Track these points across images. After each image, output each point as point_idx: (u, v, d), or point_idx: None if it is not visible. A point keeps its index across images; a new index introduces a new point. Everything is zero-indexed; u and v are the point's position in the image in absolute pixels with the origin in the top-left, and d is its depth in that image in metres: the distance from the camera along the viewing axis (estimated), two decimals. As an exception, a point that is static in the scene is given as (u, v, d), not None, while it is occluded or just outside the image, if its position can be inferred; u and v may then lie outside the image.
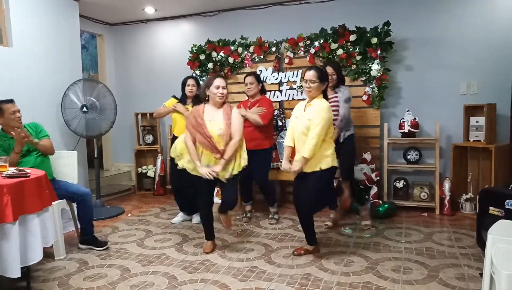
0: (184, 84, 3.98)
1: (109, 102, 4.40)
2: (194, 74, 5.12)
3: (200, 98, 3.91)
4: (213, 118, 3.02)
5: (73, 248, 3.34)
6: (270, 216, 4.08)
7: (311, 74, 2.82)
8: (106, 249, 3.30)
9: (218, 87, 3.01)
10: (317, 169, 2.84)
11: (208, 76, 3.18)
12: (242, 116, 3.66)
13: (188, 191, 3.83)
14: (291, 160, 3.04)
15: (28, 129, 3.25)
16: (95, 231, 3.40)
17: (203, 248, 3.24)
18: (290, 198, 4.70)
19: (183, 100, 3.98)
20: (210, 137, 2.95)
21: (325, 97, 2.94)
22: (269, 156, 4.14)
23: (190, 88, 3.92)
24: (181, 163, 3.15)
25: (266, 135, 3.95)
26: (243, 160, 3.09)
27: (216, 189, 3.94)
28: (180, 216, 4.13)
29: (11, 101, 3.15)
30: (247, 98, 4.11)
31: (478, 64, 4.25)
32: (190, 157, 3.06)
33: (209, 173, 2.95)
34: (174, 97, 4.07)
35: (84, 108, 4.26)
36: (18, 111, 3.14)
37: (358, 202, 3.96)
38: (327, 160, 2.86)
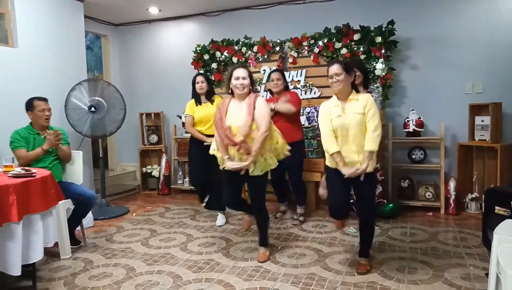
0: (194, 82, 3.96)
1: (118, 102, 4.41)
2: (197, 73, 5.13)
3: (213, 93, 3.99)
4: (237, 111, 2.84)
5: (78, 248, 3.36)
6: (295, 217, 3.95)
7: (335, 68, 2.61)
8: (79, 248, 3.33)
9: (237, 78, 2.83)
10: (372, 169, 2.62)
11: (229, 68, 3.03)
12: (272, 109, 3.53)
13: (216, 187, 3.71)
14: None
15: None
16: (99, 231, 3.42)
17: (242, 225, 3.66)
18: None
19: (197, 98, 3.95)
20: (227, 128, 2.80)
21: (357, 92, 2.74)
22: (302, 149, 3.97)
23: (200, 85, 3.90)
24: (218, 159, 2.98)
25: (297, 126, 3.81)
26: (271, 159, 2.89)
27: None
28: (222, 217, 4.00)
29: (44, 99, 3.28)
30: (269, 95, 4.02)
31: (483, 63, 4.23)
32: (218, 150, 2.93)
33: (235, 168, 2.80)
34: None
35: (93, 108, 4.27)
36: (49, 110, 3.27)
37: None
38: (374, 160, 2.67)
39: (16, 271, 2.30)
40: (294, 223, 3.88)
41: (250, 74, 2.92)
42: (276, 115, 3.63)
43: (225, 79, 3.10)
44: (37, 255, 2.45)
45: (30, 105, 3.24)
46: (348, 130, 2.61)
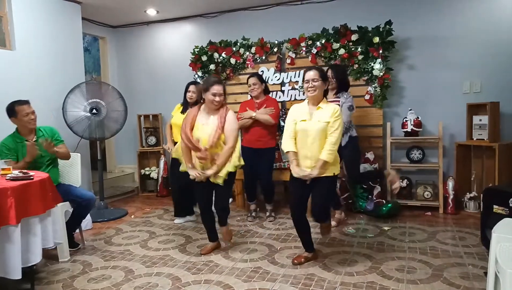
0: (186, 89, 3.96)
1: (119, 104, 4.40)
2: (196, 75, 5.14)
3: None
4: (207, 122, 3.01)
5: (77, 251, 3.36)
6: (268, 213, 4.16)
7: (312, 74, 2.76)
8: (78, 251, 3.33)
9: (214, 95, 2.95)
10: (331, 174, 2.78)
11: (207, 77, 3.11)
12: (252, 117, 3.84)
13: (186, 193, 3.90)
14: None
15: (43, 132, 3.26)
16: (98, 233, 3.40)
17: (201, 249, 3.24)
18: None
19: (185, 106, 3.95)
20: (191, 137, 2.96)
21: (325, 96, 2.88)
22: (274, 155, 4.17)
23: (190, 95, 3.90)
24: (183, 165, 3.15)
25: (272, 135, 3.99)
26: (236, 159, 3.02)
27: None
28: (181, 218, 4.14)
29: (26, 102, 3.11)
30: (249, 98, 4.12)
31: (481, 63, 4.24)
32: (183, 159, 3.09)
33: (199, 174, 2.96)
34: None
35: (94, 110, 4.26)
36: (33, 112, 3.12)
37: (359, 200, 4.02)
38: (338, 166, 2.85)
39: (17, 275, 2.29)
40: (270, 219, 4.08)
41: (225, 89, 3.06)
42: (254, 121, 3.86)
43: (200, 86, 3.29)
44: (36, 258, 2.44)
45: (12, 111, 3.06)
46: (308, 136, 2.75)
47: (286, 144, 2.84)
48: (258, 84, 3.96)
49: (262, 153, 3.88)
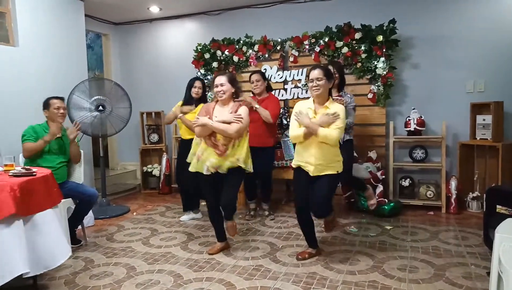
0: (190, 85, 3.92)
1: (124, 101, 4.39)
2: (199, 73, 5.14)
3: (206, 100, 3.97)
4: (220, 116, 2.97)
5: (80, 247, 3.36)
6: (267, 213, 4.17)
7: (316, 73, 2.76)
8: (80, 247, 3.34)
9: (216, 86, 2.98)
10: (335, 172, 2.80)
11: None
12: (255, 107, 3.79)
13: (193, 191, 3.90)
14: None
15: (66, 131, 3.43)
16: (100, 230, 3.41)
17: (208, 249, 3.19)
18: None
19: (189, 101, 3.92)
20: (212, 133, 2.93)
21: (330, 95, 2.90)
22: (273, 154, 4.17)
23: (197, 90, 3.88)
24: (191, 165, 3.08)
25: (270, 134, 3.97)
26: (244, 162, 2.98)
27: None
28: (188, 214, 4.15)
29: (60, 98, 3.37)
30: (251, 95, 4.11)
31: (485, 62, 4.22)
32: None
33: (202, 122, 2.88)
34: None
35: (100, 107, 4.27)
36: (64, 108, 3.35)
37: (359, 192, 4.07)
38: (340, 164, 2.85)
39: (21, 270, 2.28)
40: (271, 218, 4.08)
41: (232, 80, 3.02)
42: (254, 114, 3.80)
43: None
44: (55, 259, 2.44)
45: (46, 104, 3.33)
46: (310, 133, 2.74)
47: (295, 131, 2.79)
48: (261, 81, 3.94)
49: (259, 152, 3.76)
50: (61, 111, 3.32)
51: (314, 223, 3.01)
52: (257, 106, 3.82)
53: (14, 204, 2.23)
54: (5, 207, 2.21)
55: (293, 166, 2.94)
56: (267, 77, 4.27)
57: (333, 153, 2.81)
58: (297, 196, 2.96)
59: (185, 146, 3.77)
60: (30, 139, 3.17)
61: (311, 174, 2.78)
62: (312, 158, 2.77)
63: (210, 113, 2.99)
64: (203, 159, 2.97)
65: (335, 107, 2.77)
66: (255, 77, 3.96)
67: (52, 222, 2.49)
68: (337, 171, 2.81)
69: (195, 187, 3.74)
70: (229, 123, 2.89)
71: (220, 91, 2.97)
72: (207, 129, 2.91)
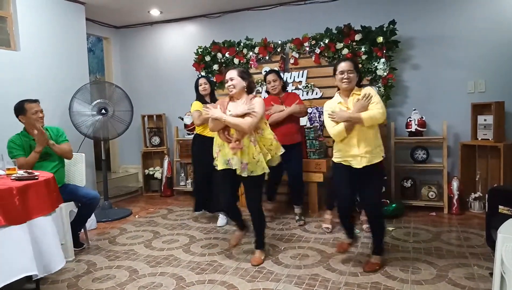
0: (197, 85, 3.96)
1: (125, 104, 4.40)
2: (199, 76, 5.14)
3: (214, 95, 4.02)
4: (233, 110, 2.87)
5: (82, 250, 3.37)
6: (297, 217, 3.94)
7: (347, 65, 2.67)
8: (82, 250, 3.34)
9: (227, 81, 2.92)
10: (380, 158, 2.68)
11: None
12: (281, 111, 3.64)
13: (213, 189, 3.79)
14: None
15: (49, 132, 3.30)
16: (102, 233, 3.42)
17: (230, 240, 3.20)
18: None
19: (202, 100, 3.93)
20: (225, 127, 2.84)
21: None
22: (302, 150, 3.99)
23: (203, 87, 3.91)
24: (217, 161, 2.97)
25: (299, 129, 3.88)
26: (266, 153, 2.87)
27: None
28: (222, 218, 4.00)
29: (35, 101, 3.19)
30: (266, 96, 4.00)
31: (486, 62, 4.22)
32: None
33: (216, 115, 2.78)
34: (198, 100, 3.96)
35: (103, 110, 4.27)
36: (41, 111, 3.19)
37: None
38: (382, 148, 2.75)
39: (24, 272, 2.29)
40: (300, 223, 3.89)
41: (243, 74, 2.91)
42: (284, 118, 3.66)
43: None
44: (58, 263, 2.45)
45: (21, 109, 3.14)
46: (354, 123, 2.63)
47: (335, 128, 2.66)
48: (278, 81, 3.77)
49: (291, 149, 3.51)
50: (40, 115, 3.16)
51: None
52: (284, 109, 3.65)
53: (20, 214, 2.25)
54: (10, 217, 2.23)
55: (335, 161, 2.80)
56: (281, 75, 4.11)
57: (375, 136, 2.70)
58: (341, 195, 2.82)
59: (202, 143, 3.79)
60: (19, 154, 3.08)
61: (359, 166, 2.64)
62: (356, 149, 2.64)
63: (224, 108, 2.92)
64: (222, 154, 2.88)
65: (365, 90, 2.67)
66: (271, 77, 3.79)
67: (48, 227, 2.48)
68: (382, 156, 2.71)
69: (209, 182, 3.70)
70: (242, 116, 2.78)
71: (230, 85, 2.89)
72: (220, 123, 2.83)
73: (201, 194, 3.99)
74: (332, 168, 2.91)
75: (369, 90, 2.67)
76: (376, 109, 2.59)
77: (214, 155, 2.99)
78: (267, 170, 2.88)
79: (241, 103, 2.90)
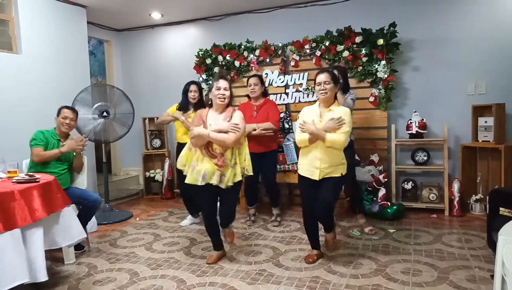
0: (186, 90, 3.92)
1: (126, 107, 4.41)
2: (200, 78, 5.15)
3: (203, 104, 3.81)
4: (215, 123, 2.87)
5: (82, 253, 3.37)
6: (273, 218, 4.11)
7: (324, 76, 2.78)
8: (83, 253, 3.35)
9: (219, 88, 2.87)
10: (339, 174, 2.83)
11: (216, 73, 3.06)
12: (253, 130, 3.72)
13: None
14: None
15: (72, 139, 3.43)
16: (103, 236, 3.42)
17: (206, 259, 3.10)
18: (297, 201, 4.69)
19: (185, 106, 3.92)
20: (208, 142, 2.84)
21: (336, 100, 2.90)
22: (277, 157, 4.17)
23: (193, 94, 3.88)
24: (188, 177, 2.93)
25: (273, 138, 3.97)
26: (242, 169, 2.93)
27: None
28: (188, 219, 4.16)
29: (71, 108, 3.41)
30: (247, 100, 4.07)
31: (486, 64, 4.22)
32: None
33: (199, 132, 2.80)
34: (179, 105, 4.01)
35: (105, 113, 4.29)
36: (71, 119, 3.35)
37: (353, 210, 4.05)
38: (344, 167, 2.88)
39: (25, 278, 2.29)
40: (274, 224, 4.01)
41: (231, 87, 2.96)
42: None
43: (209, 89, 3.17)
44: (41, 274, 2.44)
45: (58, 111, 3.36)
46: (317, 138, 2.76)
47: (301, 136, 2.80)
48: (258, 85, 3.92)
49: (263, 157, 3.84)
50: (67, 121, 3.31)
51: (318, 226, 3.03)
52: (256, 128, 3.75)
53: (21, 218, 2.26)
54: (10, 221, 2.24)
55: (299, 173, 2.93)
56: (267, 81, 4.27)
57: (338, 156, 2.83)
58: (304, 201, 2.99)
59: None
60: (40, 144, 3.19)
61: (316, 178, 2.80)
62: (317, 162, 2.79)
63: (204, 121, 2.90)
64: (199, 169, 2.85)
65: (340, 111, 2.79)
66: (253, 80, 3.94)
67: (38, 236, 2.47)
68: (341, 174, 2.84)
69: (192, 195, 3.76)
70: (225, 132, 2.80)
71: (223, 95, 2.87)
72: (203, 139, 2.82)
73: (190, 200, 4.06)
74: (298, 179, 3.00)
75: (344, 113, 2.77)
76: (341, 134, 2.72)
77: (184, 168, 2.97)
78: (241, 178, 2.93)
79: (222, 116, 2.90)
